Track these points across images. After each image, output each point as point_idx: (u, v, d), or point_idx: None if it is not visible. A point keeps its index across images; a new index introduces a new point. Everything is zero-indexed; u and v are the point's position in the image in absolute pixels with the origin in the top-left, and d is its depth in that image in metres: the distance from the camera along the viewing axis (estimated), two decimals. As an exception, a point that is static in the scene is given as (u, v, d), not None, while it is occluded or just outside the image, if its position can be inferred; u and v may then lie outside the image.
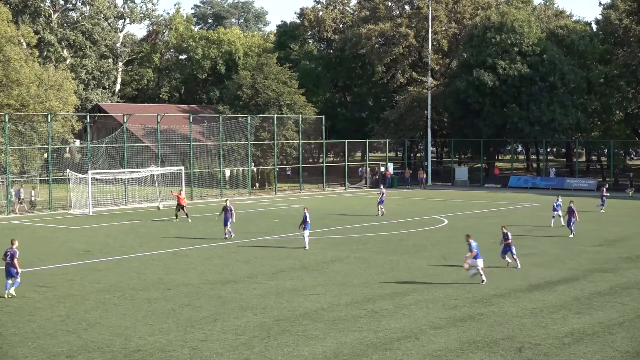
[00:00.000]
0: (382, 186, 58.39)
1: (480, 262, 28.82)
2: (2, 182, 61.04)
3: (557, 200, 46.79)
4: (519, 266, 31.92)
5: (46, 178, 62.83)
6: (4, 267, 26.81)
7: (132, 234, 45.03)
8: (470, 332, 21.93)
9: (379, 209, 53.18)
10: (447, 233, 44.49)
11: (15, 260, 26.48)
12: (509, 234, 32.08)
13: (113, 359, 19.44)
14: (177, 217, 50.24)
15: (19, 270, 26.75)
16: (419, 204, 63.56)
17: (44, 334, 21.94)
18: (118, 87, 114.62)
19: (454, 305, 25.25)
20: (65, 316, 24.08)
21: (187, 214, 50.28)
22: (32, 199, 59.77)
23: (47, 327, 22.69)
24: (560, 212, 45.79)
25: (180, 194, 51.54)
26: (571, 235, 41.24)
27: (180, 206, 50.51)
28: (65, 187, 61.85)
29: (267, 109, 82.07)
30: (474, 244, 28.90)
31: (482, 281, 28.62)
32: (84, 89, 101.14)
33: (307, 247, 37.23)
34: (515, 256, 32.09)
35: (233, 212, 41.80)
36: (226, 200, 45.10)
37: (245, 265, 33.64)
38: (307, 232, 37.71)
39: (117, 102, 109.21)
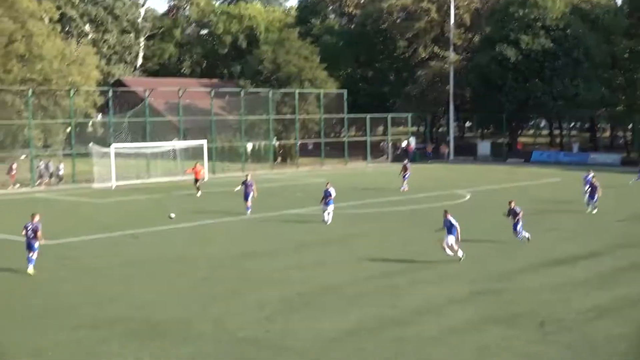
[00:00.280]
0: (406, 161, 57.60)
1: (451, 239, 27.93)
2: (27, 156, 61.46)
3: (588, 175, 44.22)
4: (528, 237, 31.35)
5: (69, 152, 63.23)
6: (25, 241, 26.54)
7: (155, 208, 45.23)
8: (490, 307, 21.93)
9: (403, 184, 52.91)
10: (469, 208, 44.39)
11: (39, 234, 26.14)
12: (517, 209, 31.57)
13: (136, 332, 19.60)
14: (198, 191, 50.43)
15: (42, 243, 26.40)
16: (441, 179, 63.40)
17: (67, 306, 22.12)
18: (140, 61, 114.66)
19: (474, 280, 25.22)
20: (88, 289, 24.28)
21: (198, 188, 50.45)
22: (60, 172, 60.28)
23: (71, 300, 22.89)
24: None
25: (196, 168, 51.60)
26: (594, 211, 40.83)
27: (196, 180, 50.69)
28: (88, 161, 62.12)
29: (289, 83, 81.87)
30: (453, 221, 28.10)
31: (448, 254, 27.78)
32: (105, 64, 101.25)
33: (328, 223, 36.98)
34: (519, 232, 31.42)
35: (254, 186, 41.61)
36: (247, 174, 44.89)
37: (267, 238, 33.74)
38: (330, 207, 37.23)
39: (139, 76, 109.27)
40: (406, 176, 53.01)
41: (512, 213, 31.44)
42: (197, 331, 19.65)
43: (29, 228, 26.09)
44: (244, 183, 41.30)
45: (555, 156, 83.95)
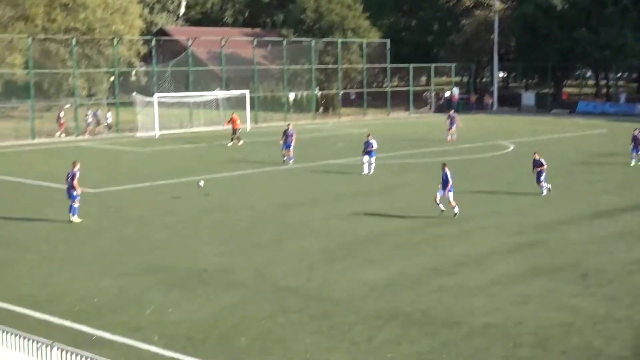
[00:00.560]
0: (452, 111, 56.80)
1: (449, 195, 27.27)
2: (71, 105, 62.02)
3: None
4: (544, 193, 31.22)
5: (113, 101, 63.68)
6: (65, 189, 26.78)
7: (197, 157, 45.50)
8: (533, 258, 21.85)
9: (449, 133, 52.67)
10: (512, 159, 44.09)
11: (75, 182, 26.20)
12: (542, 160, 31.31)
13: (178, 280, 19.82)
14: (239, 140, 50.52)
15: (79, 192, 26.42)
16: (484, 129, 62.86)
17: (111, 254, 22.41)
18: (182, 10, 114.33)
19: (517, 232, 25.13)
20: (132, 236, 24.57)
21: (232, 138, 50.60)
22: (108, 121, 60.84)
23: (114, 248, 23.18)
24: None
25: (232, 117, 51.61)
26: None
27: (234, 130, 50.77)
28: (131, 110, 62.61)
29: (331, 32, 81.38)
30: (449, 175, 27.23)
31: (441, 211, 27.17)
32: (148, 13, 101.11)
33: (370, 174, 36.81)
34: (542, 183, 31.26)
35: (294, 137, 41.61)
36: (288, 124, 44.73)
37: (308, 189, 33.84)
38: (372, 159, 36.93)
39: (182, 25, 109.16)
40: (452, 126, 52.69)
41: (537, 164, 31.35)
42: (239, 280, 19.83)
43: (69, 176, 26.32)
44: (285, 132, 41.26)
45: (601, 107, 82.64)
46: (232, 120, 51.22)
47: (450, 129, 52.84)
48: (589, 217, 27.51)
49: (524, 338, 15.70)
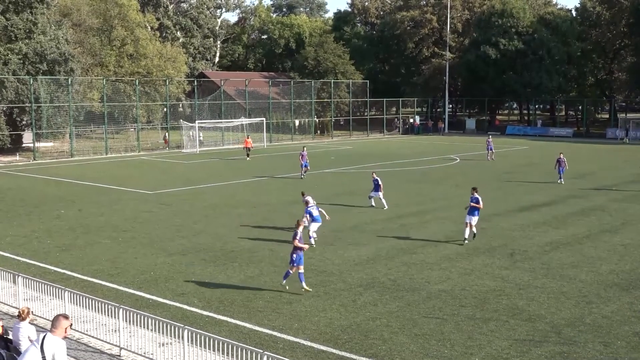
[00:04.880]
0: (489, 137, 50.67)
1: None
2: (134, 129, 61.87)
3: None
4: (372, 204, 28.71)
5: (165, 126, 63.59)
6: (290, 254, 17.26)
7: (227, 167, 45.37)
8: (475, 241, 21.79)
9: (489, 155, 48.64)
10: (459, 168, 44.02)
11: (297, 241, 16.59)
12: (379, 179, 28.10)
13: (214, 257, 19.77)
14: (248, 156, 50.13)
15: (305, 247, 16.80)
16: (438, 147, 62.76)
17: (165, 238, 22.35)
18: (217, 59, 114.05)
19: (463, 222, 25.01)
20: (179, 225, 24.48)
21: (248, 154, 50.11)
22: (200, 139, 60.28)
23: (167, 233, 23.12)
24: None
25: (247, 139, 51.48)
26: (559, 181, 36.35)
27: (247, 149, 50.48)
28: (178, 133, 62.49)
29: (326, 75, 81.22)
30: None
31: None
32: (192, 61, 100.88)
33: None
34: (372, 196, 28.34)
35: (306, 157, 39.15)
36: (304, 147, 42.08)
37: (310, 190, 33.61)
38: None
39: (216, 70, 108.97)
40: (490, 149, 48.53)
41: (375, 182, 28.08)
42: (259, 257, 19.77)
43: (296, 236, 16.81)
44: (301, 154, 38.84)
45: (524, 130, 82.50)
46: (245, 141, 51.07)
47: (489, 151, 48.66)
48: (515, 210, 27.46)
49: (467, 300, 15.67)
